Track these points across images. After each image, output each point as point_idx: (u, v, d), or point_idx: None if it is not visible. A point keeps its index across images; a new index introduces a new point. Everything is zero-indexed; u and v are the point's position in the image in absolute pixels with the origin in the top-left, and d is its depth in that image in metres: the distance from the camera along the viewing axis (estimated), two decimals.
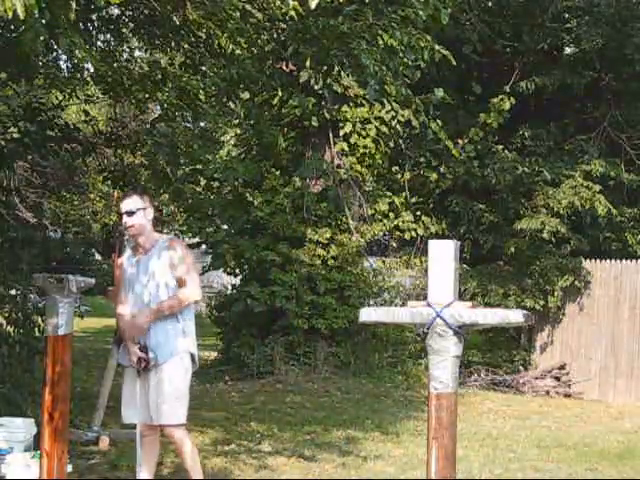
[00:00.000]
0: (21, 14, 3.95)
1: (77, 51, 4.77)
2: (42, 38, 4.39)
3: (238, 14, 5.82)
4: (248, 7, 5.88)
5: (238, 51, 5.94)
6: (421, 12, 5.85)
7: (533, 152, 14.70)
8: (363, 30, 6.15)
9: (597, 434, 9.49)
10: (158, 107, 7.08)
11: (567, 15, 15.50)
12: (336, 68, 6.74)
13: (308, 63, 6.67)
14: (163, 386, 5.27)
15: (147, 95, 7.78)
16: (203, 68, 7.46)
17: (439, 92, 7.28)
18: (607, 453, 8.31)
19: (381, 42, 6.11)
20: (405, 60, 6.21)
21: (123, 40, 8.22)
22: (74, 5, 4.30)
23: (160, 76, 7.16)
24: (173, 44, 7.81)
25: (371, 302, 13.44)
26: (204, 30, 6.57)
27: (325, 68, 6.82)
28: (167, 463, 7.09)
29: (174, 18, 6.77)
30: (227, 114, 12.61)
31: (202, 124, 10.22)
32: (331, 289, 12.86)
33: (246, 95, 9.74)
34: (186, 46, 7.67)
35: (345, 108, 13.04)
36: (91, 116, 9.50)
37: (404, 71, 6.57)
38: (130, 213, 5.33)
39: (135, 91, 7.80)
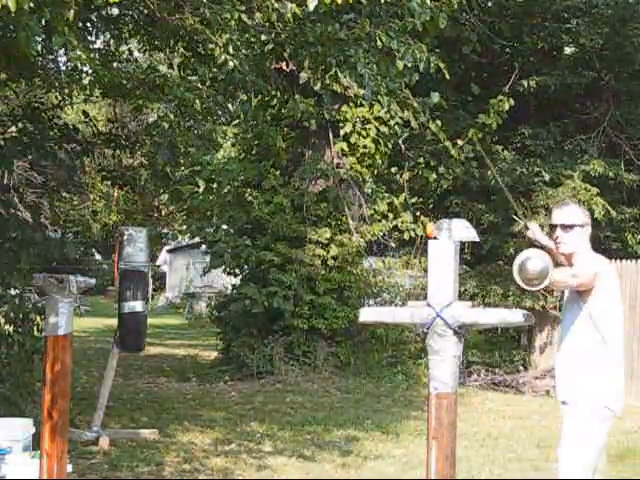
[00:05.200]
0: (12, 6, 3.94)
1: (72, 51, 4.75)
2: (40, 38, 4.38)
3: (233, 23, 5.81)
4: (244, 17, 5.88)
5: (231, 63, 5.93)
6: (418, 22, 5.82)
7: (533, 152, 14.70)
8: (361, 38, 6.15)
9: None
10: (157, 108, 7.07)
11: (567, 15, 15.50)
12: (333, 70, 6.74)
13: (307, 64, 6.66)
14: None
15: (146, 101, 7.79)
16: (200, 71, 7.46)
17: (435, 97, 7.27)
18: (607, 453, 8.29)
19: (380, 44, 6.10)
20: (404, 63, 6.19)
21: (123, 40, 8.21)
22: (73, 4, 4.30)
23: (158, 81, 7.16)
24: (172, 44, 7.82)
25: (371, 302, 13.45)
26: (200, 37, 6.57)
27: (323, 67, 6.81)
28: (168, 463, 7.10)
29: (171, 22, 6.78)
30: (226, 114, 12.60)
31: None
32: (331, 289, 12.86)
33: (244, 96, 9.74)
34: (182, 50, 7.68)
35: (345, 108, 13.04)
36: (90, 116, 9.50)
37: (400, 77, 6.56)
38: (566, 227, 4.48)
39: (134, 96, 7.80)
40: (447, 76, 6.59)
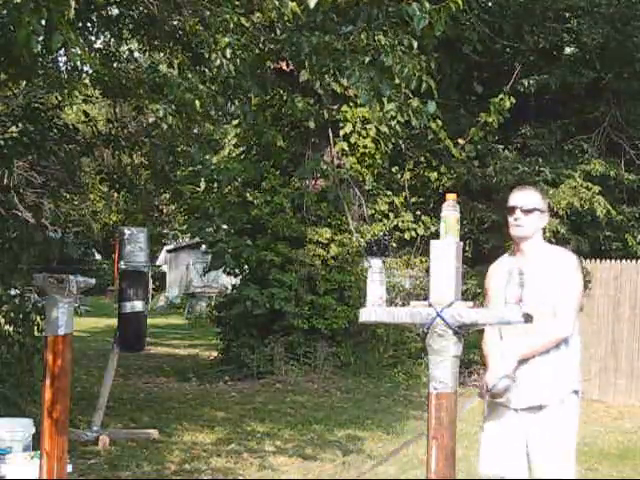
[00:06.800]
0: None
1: (72, 49, 4.73)
2: (41, 38, 4.37)
3: (232, 25, 5.81)
4: (243, 20, 5.87)
5: (226, 67, 5.93)
6: (417, 27, 5.82)
7: (534, 151, 14.71)
8: (357, 50, 6.16)
9: (597, 434, 9.47)
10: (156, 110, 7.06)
11: (567, 14, 15.51)
12: (330, 74, 6.76)
13: (306, 64, 6.67)
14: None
15: (145, 101, 7.79)
16: (199, 72, 7.46)
17: (431, 107, 7.29)
18: (607, 453, 8.30)
19: (375, 56, 6.12)
20: (398, 80, 6.21)
21: (123, 40, 8.21)
22: (73, 3, 4.29)
23: (158, 81, 7.15)
24: (171, 45, 7.82)
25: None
26: (199, 38, 6.57)
27: (320, 72, 6.82)
28: (168, 462, 7.09)
29: (170, 22, 6.78)
30: (226, 115, 12.60)
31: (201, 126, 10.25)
32: (331, 289, 12.86)
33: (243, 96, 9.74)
34: (181, 50, 7.67)
35: (345, 108, 13.04)
36: (90, 117, 9.50)
37: (396, 90, 6.58)
38: (526, 210, 4.38)
39: (134, 96, 7.80)
40: (435, 96, 6.62)
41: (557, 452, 4.18)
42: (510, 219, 4.41)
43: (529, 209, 4.36)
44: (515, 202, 4.40)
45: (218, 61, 5.87)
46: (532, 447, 4.20)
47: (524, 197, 4.40)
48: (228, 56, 5.87)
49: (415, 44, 5.94)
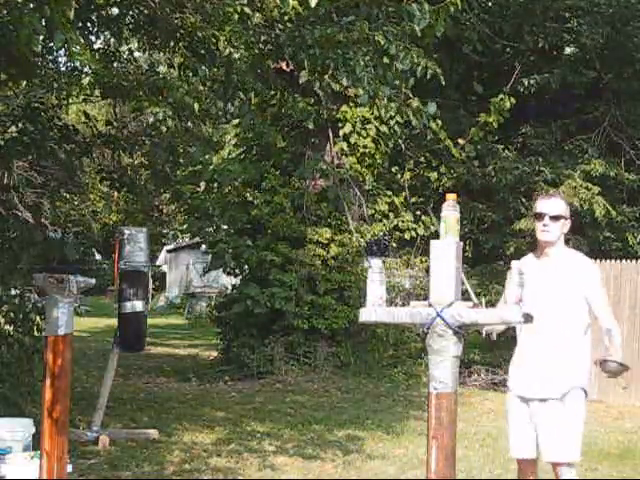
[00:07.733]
0: None
1: (73, 49, 4.73)
2: (41, 37, 4.37)
3: (236, 17, 5.81)
4: (247, 10, 5.87)
5: (235, 55, 5.93)
6: (417, 27, 5.82)
7: (534, 151, 14.71)
8: (359, 41, 6.15)
9: (597, 434, 9.46)
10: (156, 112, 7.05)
11: (567, 15, 15.51)
12: (331, 71, 6.75)
13: (306, 64, 6.66)
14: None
15: (145, 104, 7.80)
16: (200, 72, 7.46)
17: (432, 107, 7.33)
18: (607, 453, 8.29)
19: (378, 47, 6.09)
20: (401, 67, 6.19)
21: (123, 40, 8.21)
22: (73, 3, 4.29)
23: (158, 83, 7.15)
24: (172, 44, 7.81)
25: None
26: (202, 34, 6.56)
27: (321, 70, 6.81)
28: (168, 462, 7.09)
29: (173, 20, 6.77)
30: (224, 115, 12.59)
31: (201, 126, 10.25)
32: (331, 289, 12.85)
33: (243, 96, 9.74)
34: (182, 50, 7.66)
35: (345, 108, 13.04)
36: (90, 117, 9.50)
37: (397, 79, 6.55)
38: (553, 217, 4.67)
39: (134, 98, 7.80)
40: (443, 82, 6.60)
41: (563, 440, 4.66)
42: (539, 225, 4.70)
43: (556, 216, 4.66)
44: (543, 209, 4.69)
45: (227, 50, 5.86)
46: (540, 432, 4.71)
47: (552, 205, 4.71)
48: (235, 43, 5.86)
49: (417, 28, 5.93)
